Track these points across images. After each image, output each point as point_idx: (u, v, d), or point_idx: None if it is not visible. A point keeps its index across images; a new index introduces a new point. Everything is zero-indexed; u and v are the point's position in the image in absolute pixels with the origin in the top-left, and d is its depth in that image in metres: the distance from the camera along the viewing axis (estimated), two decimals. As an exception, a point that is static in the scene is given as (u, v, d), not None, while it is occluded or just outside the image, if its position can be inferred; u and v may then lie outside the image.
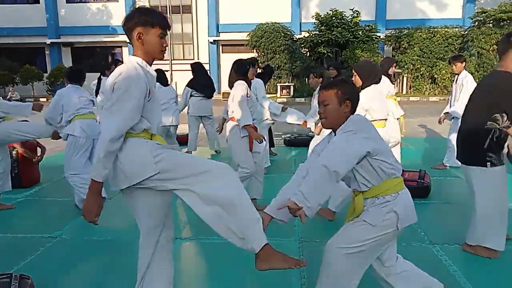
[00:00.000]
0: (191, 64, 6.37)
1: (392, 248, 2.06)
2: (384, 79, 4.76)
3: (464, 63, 5.42)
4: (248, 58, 4.42)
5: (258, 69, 4.71)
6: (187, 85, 6.30)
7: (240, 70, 3.85)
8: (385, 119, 3.69)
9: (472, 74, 16.73)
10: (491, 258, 2.89)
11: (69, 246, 3.30)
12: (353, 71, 3.67)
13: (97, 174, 1.74)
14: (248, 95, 3.78)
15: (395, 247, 2.09)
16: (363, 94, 3.50)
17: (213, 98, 6.55)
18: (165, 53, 1.95)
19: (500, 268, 2.82)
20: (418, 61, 17.57)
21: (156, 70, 4.23)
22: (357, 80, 3.61)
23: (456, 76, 5.47)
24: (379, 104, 3.61)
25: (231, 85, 3.85)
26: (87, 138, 3.89)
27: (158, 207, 1.91)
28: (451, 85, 5.54)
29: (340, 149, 1.80)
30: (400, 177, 1.96)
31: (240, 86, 3.74)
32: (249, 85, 3.91)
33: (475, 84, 5.28)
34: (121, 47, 21.49)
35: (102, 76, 5.75)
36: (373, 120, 3.43)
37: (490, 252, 2.91)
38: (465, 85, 5.31)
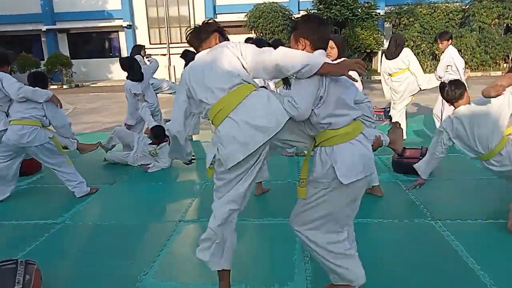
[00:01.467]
0: (180, 56, 6.30)
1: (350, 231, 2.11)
2: (408, 50, 5.22)
3: (450, 40, 5.37)
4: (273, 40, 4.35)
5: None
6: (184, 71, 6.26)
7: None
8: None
9: (473, 49, 16.60)
10: None
11: (73, 232, 3.32)
12: (333, 43, 3.31)
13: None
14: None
15: (352, 230, 2.14)
16: None
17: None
18: None
19: (503, 243, 2.83)
20: (419, 37, 17.31)
21: (126, 58, 4.17)
22: (334, 52, 3.35)
23: (442, 53, 5.43)
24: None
25: None
26: None
27: None
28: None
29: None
30: (339, 129, 1.87)
31: None
32: None
33: (453, 57, 5.27)
34: (117, 32, 21.20)
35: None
36: None
37: None
38: (442, 58, 5.32)
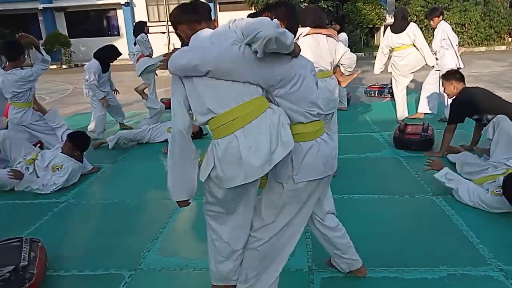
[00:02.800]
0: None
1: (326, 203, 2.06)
2: (415, 25, 5.18)
3: (440, 16, 5.27)
4: None
5: None
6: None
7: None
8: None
9: (477, 23, 16.17)
10: None
11: (76, 210, 3.36)
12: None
13: None
14: None
15: (325, 206, 2.07)
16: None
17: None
18: None
19: (502, 217, 2.84)
20: (422, 12, 16.97)
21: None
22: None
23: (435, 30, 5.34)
24: (313, 56, 3.01)
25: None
26: None
27: None
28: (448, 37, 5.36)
29: None
30: (305, 124, 1.77)
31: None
32: None
33: (447, 31, 5.15)
34: (115, 9, 20.87)
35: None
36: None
37: None
38: (436, 34, 5.22)
